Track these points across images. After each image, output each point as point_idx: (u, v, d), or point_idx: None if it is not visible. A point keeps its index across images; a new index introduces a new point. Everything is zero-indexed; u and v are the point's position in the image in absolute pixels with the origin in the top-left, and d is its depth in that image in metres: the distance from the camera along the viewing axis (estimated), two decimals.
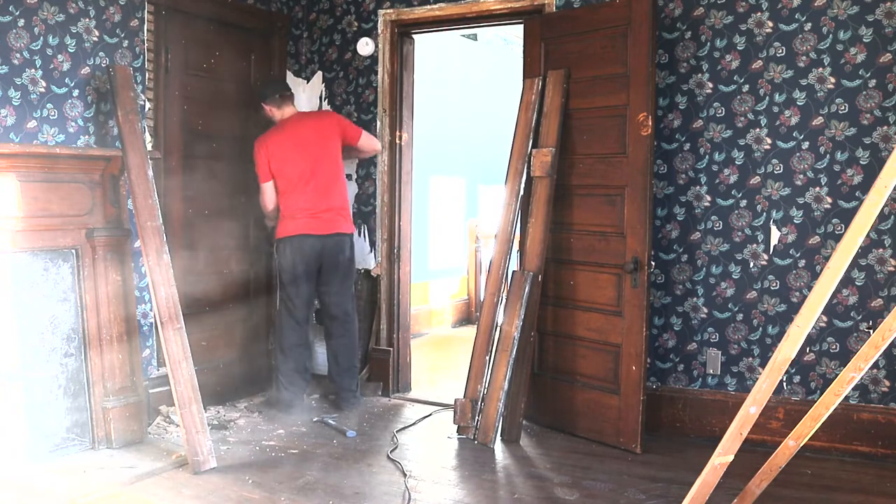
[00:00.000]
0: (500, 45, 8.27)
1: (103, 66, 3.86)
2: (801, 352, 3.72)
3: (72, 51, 3.73)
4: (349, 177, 4.95)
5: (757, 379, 2.72)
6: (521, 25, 4.38)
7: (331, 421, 4.19)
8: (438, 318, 7.52)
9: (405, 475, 3.44)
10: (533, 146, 4.07)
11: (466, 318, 7.84)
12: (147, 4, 4.07)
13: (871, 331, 3.49)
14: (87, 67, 3.81)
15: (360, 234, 4.94)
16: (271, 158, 4.38)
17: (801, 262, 3.79)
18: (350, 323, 4.55)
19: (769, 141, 3.83)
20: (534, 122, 4.08)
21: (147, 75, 4.12)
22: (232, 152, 4.66)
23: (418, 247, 6.06)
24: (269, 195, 4.45)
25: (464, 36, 7.66)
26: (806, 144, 3.75)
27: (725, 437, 2.36)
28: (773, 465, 2.58)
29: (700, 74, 3.95)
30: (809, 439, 2.52)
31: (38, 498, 3.09)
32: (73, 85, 3.75)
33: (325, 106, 5.06)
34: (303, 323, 4.47)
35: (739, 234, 3.91)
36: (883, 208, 2.49)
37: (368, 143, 4.60)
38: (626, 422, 3.79)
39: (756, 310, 3.89)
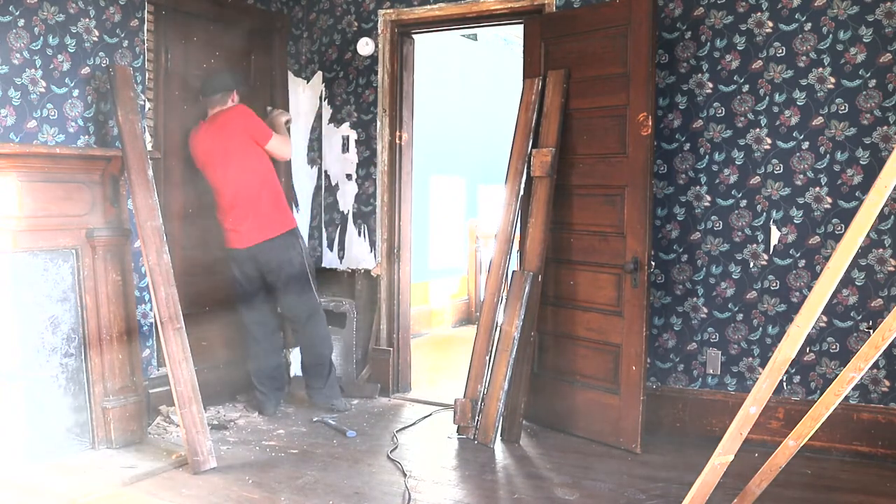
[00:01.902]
0: (500, 45, 8.27)
1: (103, 66, 3.86)
2: (801, 352, 3.72)
3: (72, 51, 3.73)
4: (349, 176, 4.95)
5: (757, 379, 2.72)
6: (521, 25, 4.38)
7: (331, 421, 4.19)
8: (438, 318, 7.52)
9: (405, 475, 3.44)
10: (533, 146, 4.07)
11: (466, 318, 7.84)
12: (147, 4, 4.07)
13: (871, 331, 3.49)
14: (87, 67, 3.81)
15: (360, 234, 4.94)
16: (196, 162, 4.30)
17: (801, 262, 3.79)
18: (308, 325, 4.40)
19: (769, 141, 3.83)
20: (534, 122, 4.08)
21: (147, 75, 4.12)
22: None
23: (418, 247, 6.06)
24: None
25: (464, 36, 7.66)
26: (806, 144, 3.75)
27: (725, 437, 2.36)
28: (773, 465, 2.58)
29: (700, 74, 3.95)
30: (809, 439, 2.52)
31: (38, 497, 3.09)
32: (73, 85, 3.75)
33: (325, 106, 5.05)
34: (259, 334, 4.40)
35: (739, 234, 3.91)
36: (883, 208, 2.49)
37: (277, 148, 4.33)
38: (626, 422, 3.79)
39: (756, 310, 3.89)
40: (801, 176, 3.77)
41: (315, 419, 4.26)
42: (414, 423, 4.28)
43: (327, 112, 5.06)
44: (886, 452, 3.59)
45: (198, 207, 4.45)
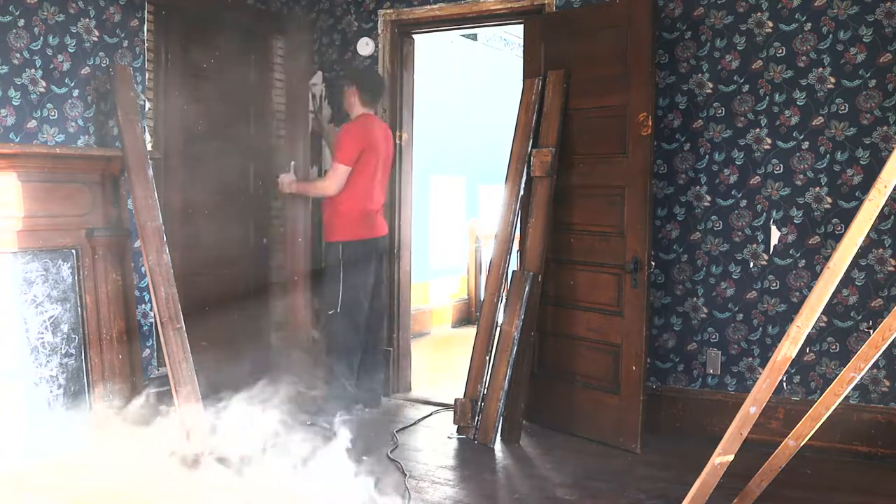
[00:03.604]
0: (500, 45, 8.27)
1: (103, 66, 3.86)
2: (801, 352, 3.72)
3: (72, 51, 3.73)
4: None
5: (757, 379, 2.72)
6: (521, 25, 4.38)
7: (324, 424, 4.13)
8: (438, 318, 7.52)
9: (405, 475, 3.44)
10: (533, 146, 4.07)
11: (466, 318, 7.83)
12: (147, 4, 4.07)
13: (871, 331, 3.49)
14: (87, 67, 3.81)
15: None
16: (366, 148, 4.30)
17: (801, 262, 3.79)
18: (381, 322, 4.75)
19: (769, 141, 3.83)
20: (534, 122, 4.08)
21: (147, 75, 4.12)
22: (232, 152, 4.66)
23: (418, 247, 6.06)
24: (342, 180, 4.29)
25: (464, 36, 7.66)
26: (806, 144, 3.75)
27: (725, 437, 2.36)
28: (773, 465, 2.59)
29: (700, 74, 3.95)
30: (809, 439, 2.53)
31: (37, 497, 3.09)
32: (73, 85, 3.75)
33: (325, 106, 5.05)
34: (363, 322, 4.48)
35: (739, 234, 3.91)
36: (883, 208, 2.49)
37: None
38: (626, 422, 3.79)
39: (756, 310, 3.89)
40: (801, 176, 3.77)
41: (308, 423, 4.19)
42: (414, 423, 4.28)
43: (327, 112, 5.05)
44: (886, 452, 3.58)
45: (198, 207, 4.45)
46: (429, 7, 4.67)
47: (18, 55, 3.51)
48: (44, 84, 3.62)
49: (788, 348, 2.26)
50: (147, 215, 3.67)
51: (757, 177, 3.86)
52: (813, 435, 2.50)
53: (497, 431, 3.89)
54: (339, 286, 4.33)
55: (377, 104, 4.54)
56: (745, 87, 3.86)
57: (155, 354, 4.16)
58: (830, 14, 3.67)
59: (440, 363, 5.91)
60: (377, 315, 4.59)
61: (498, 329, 4.01)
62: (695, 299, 4.02)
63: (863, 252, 3.64)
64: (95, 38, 3.83)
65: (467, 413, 3.98)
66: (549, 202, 3.99)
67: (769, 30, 3.80)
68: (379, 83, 4.57)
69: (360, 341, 4.42)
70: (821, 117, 3.72)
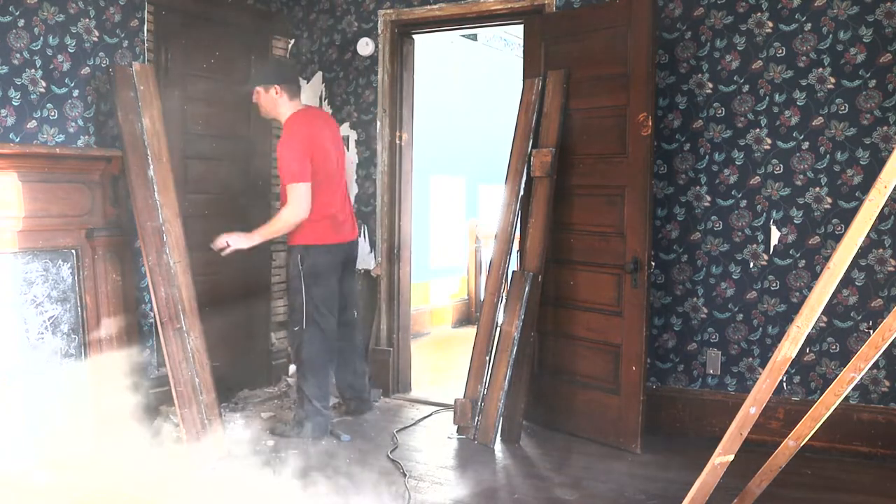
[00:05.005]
0: (500, 45, 8.27)
1: (103, 66, 3.86)
2: (801, 352, 3.72)
3: (72, 51, 3.73)
4: (349, 177, 4.94)
5: (757, 379, 2.72)
6: (521, 25, 4.38)
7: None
8: (438, 318, 7.52)
9: (405, 475, 3.45)
10: (533, 146, 4.07)
11: (466, 318, 7.84)
12: (147, 4, 4.08)
13: (871, 331, 3.49)
14: (87, 67, 3.81)
15: (360, 235, 4.93)
16: (314, 151, 3.86)
17: (801, 262, 3.79)
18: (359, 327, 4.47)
19: (769, 141, 3.83)
20: (534, 122, 4.08)
21: None
22: (232, 152, 4.66)
23: (418, 247, 6.06)
24: (308, 198, 3.81)
25: (464, 36, 7.66)
26: (806, 144, 3.75)
27: (725, 437, 2.36)
28: (773, 465, 2.58)
29: (700, 74, 3.95)
30: (809, 439, 2.52)
31: (38, 497, 3.09)
32: (73, 85, 3.75)
33: (325, 106, 5.05)
34: (332, 335, 4.08)
35: (739, 234, 3.91)
36: (883, 208, 2.49)
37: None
38: (626, 422, 3.79)
39: (756, 310, 3.89)
40: (801, 176, 3.77)
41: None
42: (414, 423, 4.28)
43: (327, 112, 5.05)
44: (886, 452, 3.59)
45: (197, 207, 4.44)
46: (429, 7, 4.67)
47: (18, 55, 3.51)
48: (44, 84, 3.62)
49: (788, 348, 2.26)
50: (147, 215, 3.68)
51: (757, 177, 3.86)
52: (813, 435, 2.49)
53: (497, 431, 3.89)
54: (303, 297, 3.92)
55: (297, 92, 4.10)
56: (745, 88, 3.86)
57: (155, 354, 4.16)
58: (830, 14, 3.67)
59: (440, 363, 5.91)
60: (349, 327, 4.24)
61: (498, 329, 4.01)
62: (695, 299, 4.02)
63: (863, 252, 3.64)
64: (95, 38, 3.83)
65: (467, 413, 3.98)
66: (549, 202, 3.99)
67: (769, 30, 3.80)
68: (293, 66, 4.22)
69: (332, 356, 4.07)
70: (821, 117, 3.72)
